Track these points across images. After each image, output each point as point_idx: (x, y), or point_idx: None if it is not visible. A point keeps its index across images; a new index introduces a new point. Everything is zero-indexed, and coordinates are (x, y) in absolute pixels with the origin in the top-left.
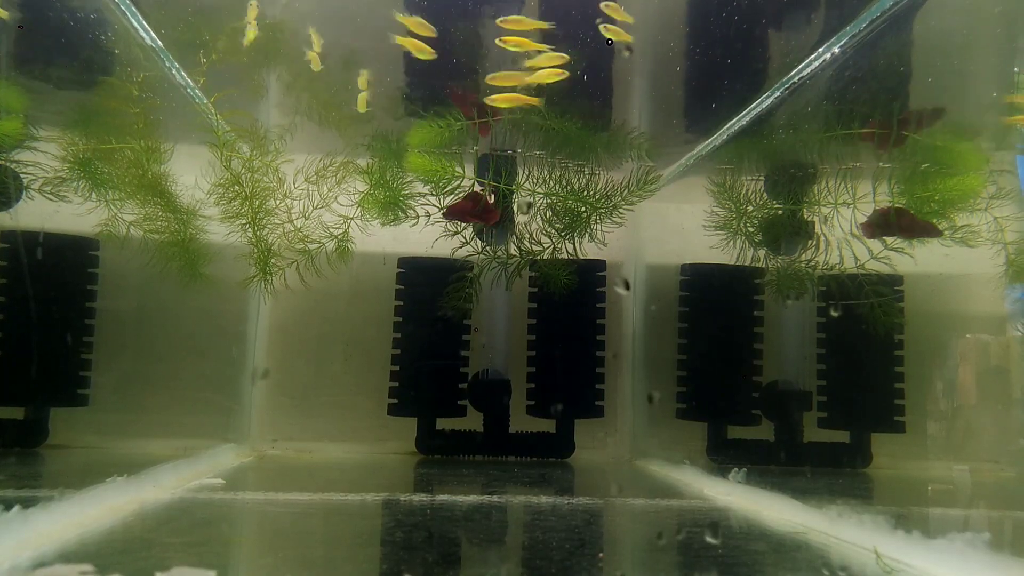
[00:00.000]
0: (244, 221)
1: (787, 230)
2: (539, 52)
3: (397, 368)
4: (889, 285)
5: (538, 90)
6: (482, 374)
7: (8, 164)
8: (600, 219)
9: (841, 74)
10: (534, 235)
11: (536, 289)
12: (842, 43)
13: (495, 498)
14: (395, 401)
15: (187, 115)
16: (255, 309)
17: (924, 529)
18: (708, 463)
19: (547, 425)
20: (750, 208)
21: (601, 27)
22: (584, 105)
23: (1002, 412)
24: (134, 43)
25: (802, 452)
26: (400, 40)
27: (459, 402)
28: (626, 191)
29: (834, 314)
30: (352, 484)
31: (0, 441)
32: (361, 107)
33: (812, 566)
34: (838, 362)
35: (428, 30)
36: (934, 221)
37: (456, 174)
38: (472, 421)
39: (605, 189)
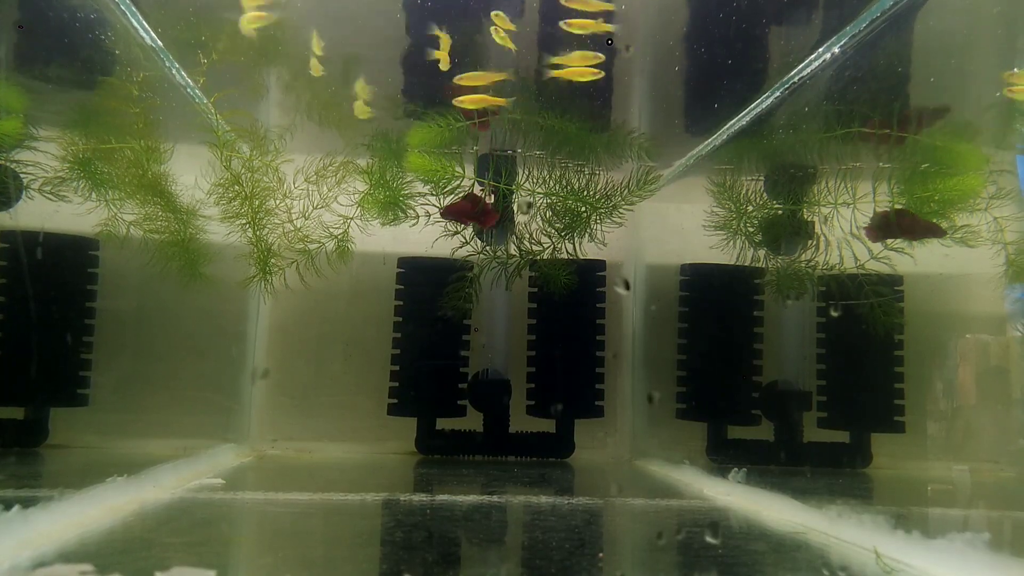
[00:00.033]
0: (244, 221)
1: (787, 230)
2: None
3: (397, 368)
4: (889, 285)
5: (510, 90)
6: (482, 374)
7: (8, 164)
8: (600, 219)
9: (841, 74)
10: (534, 235)
11: (536, 289)
12: (842, 43)
13: (495, 498)
14: (395, 401)
15: (187, 115)
16: (255, 309)
17: (924, 529)
18: (708, 463)
19: (547, 425)
20: (750, 208)
21: (562, 24)
22: (584, 105)
23: (1002, 412)
24: (134, 43)
25: (802, 452)
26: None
27: (459, 402)
28: (626, 191)
29: (834, 314)
30: (352, 484)
31: (0, 441)
32: (359, 115)
33: (812, 566)
34: (838, 362)
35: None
36: (935, 221)
37: (456, 174)
38: (472, 421)
39: (605, 189)
